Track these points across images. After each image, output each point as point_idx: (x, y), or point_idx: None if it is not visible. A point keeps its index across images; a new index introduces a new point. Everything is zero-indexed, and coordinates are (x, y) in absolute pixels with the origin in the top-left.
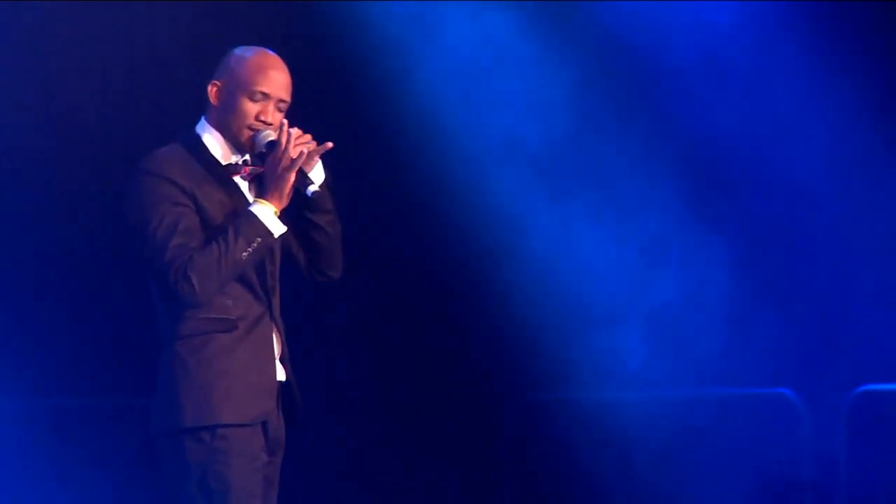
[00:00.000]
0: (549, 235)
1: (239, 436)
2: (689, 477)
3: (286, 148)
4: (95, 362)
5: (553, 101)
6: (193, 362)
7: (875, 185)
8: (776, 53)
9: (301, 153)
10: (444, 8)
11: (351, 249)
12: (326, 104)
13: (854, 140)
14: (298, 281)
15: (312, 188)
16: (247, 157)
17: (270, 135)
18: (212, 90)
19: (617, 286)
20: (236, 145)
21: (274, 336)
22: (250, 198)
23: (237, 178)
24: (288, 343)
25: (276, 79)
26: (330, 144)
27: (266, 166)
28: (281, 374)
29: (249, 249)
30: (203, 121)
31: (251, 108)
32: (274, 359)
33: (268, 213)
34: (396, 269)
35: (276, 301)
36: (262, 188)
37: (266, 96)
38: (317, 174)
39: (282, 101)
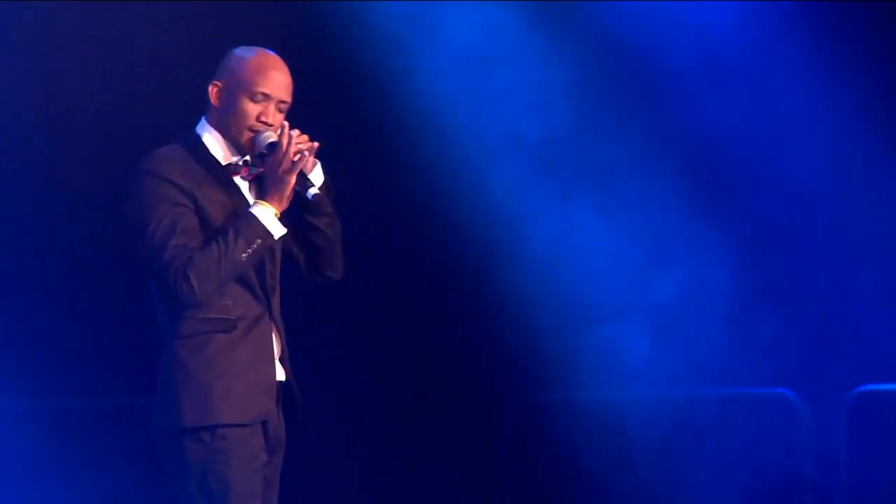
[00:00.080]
0: (549, 235)
1: (239, 436)
2: (689, 476)
3: (287, 150)
4: (95, 362)
5: (553, 100)
6: (193, 362)
7: (875, 185)
8: (777, 53)
9: (302, 155)
10: (443, 8)
11: (351, 249)
12: (326, 104)
13: (854, 140)
14: (298, 281)
15: (313, 191)
16: (247, 157)
17: (271, 136)
18: (212, 90)
19: (617, 286)
20: (237, 146)
21: (274, 336)
22: (250, 198)
23: (237, 179)
24: (288, 343)
25: (276, 79)
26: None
27: (266, 168)
28: (281, 374)
29: (249, 251)
30: (203, 121)
31: (252, 108)
32: (273, 359)
33: (268, 215)
34: (396, 269)
35: (275, 301)
36: (263, 189)
37: (267, 97)
38: (316, 176)
39: (282, 101)
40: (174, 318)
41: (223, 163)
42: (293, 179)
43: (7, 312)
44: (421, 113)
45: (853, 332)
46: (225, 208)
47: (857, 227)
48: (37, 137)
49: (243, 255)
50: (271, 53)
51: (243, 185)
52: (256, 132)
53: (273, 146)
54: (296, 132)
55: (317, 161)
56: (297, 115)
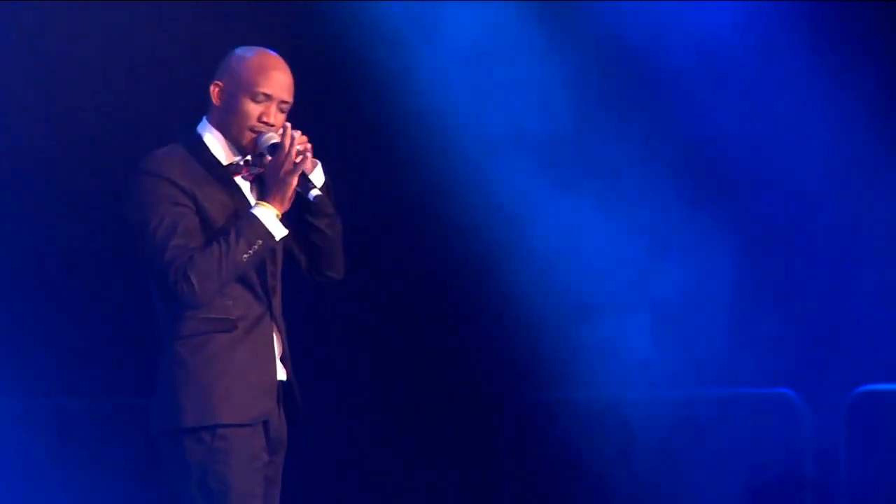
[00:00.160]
0: (549, 235)
1: (239, 436)
2: (690, 476)
3: (289, 151)
4: (95, 362)
5: (554, 98)
6: (193, 362)
7: (875, 185)
8: (778, 52)
9: (304, 157)
10: (443, 7)
11: (351, 249)
12: (326, 104)
13: (854, 140)
14: (299, 281)
15: (314, 193)
16: (248, 157)
17: (273, 137)
18: (214, 90)
19: (617, 286)
20: (238, 146)
21: (274, 336)
22: (251, 198)
23: (238, 179)
24: (289, 343)
25: (278, 80)
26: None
27: (268, 169)
28: (281, 374)
29: (250, 252)
30: (204, 121)
31: (253, 109)
32: (274, 359)
33: (269, 216)
34: (396, 269)
35: (276, 301)
36: (264, 190)
37: (268, 97)
38: (317, 176)
39: (284, 101)
40: (174, 318)
41: (224, 163)
42: (295, 181)
43: (7, 312)
44: (421, 112)
45: (853, 332)
46: (226, 208)
47: (857, 227)
48: (37, 137)
49: (244, 255)
50: (272, 53)
51: (244, 186)
52: (258, 133)
53: (275, 147)
54: (297, 133)
55: (317, 161)
56: (297, 115)
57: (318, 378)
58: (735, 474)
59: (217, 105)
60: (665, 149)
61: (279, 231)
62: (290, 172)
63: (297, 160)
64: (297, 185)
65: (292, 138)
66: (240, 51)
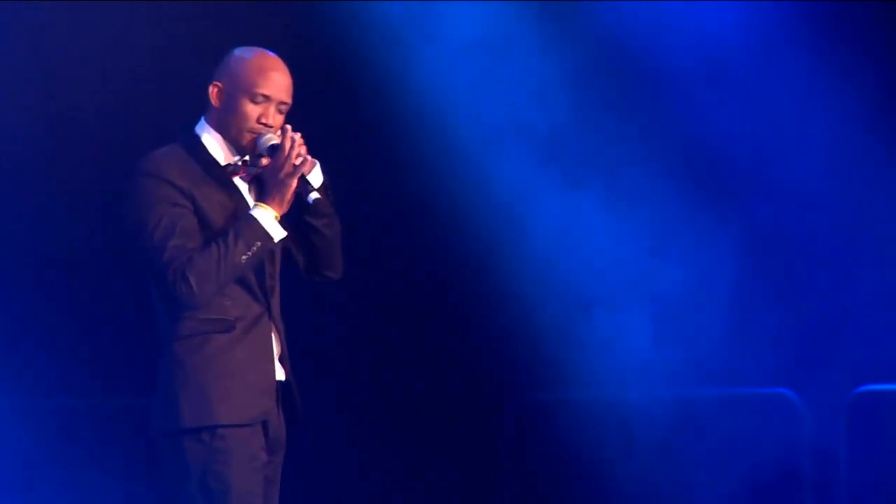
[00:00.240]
0: (549, 234)
1: (238, 436)
2: (690, 476)
3: (289, 154)
4: (95, 362)
5: (555, 95)
6: (192, 363)
7: (875, 185)
8: (777, 53)
9: (304, 159)
10: (443, 6)
11: (351, 249)
12: (326, 103)
13: (854, 140)
14: (298, 281)
15: (313, 196)
16: (246, 157)
17: (273, 139)
18: (212, 91)
19: (617, 285)
20: (236, 147)
21: (273, 336)
22: (250, 199)
23: (236, 179)
24: (288, 343)
25: (277, 81)
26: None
27: (267, 170)
28: (280, 374)
29: (249, 253)
30: (203, 121)
31: (252, 110)
32: (273, 359)
33: (268, 218)
34: (396, 269)
35: (275, 301)
36: (263, 191)
37: (267, 98)
38: (315, 176)
39: (283, 103)
40: (173, 319)
41: (222, 163)
42: (294, 183)
43: (7, 312)
44: (420, 109)
45: (853, 332)
46: (224, 209)
47: (857, 227)
48: (37, 137)
49: (243, 257)
50: (271, 54)
51: (243, 186)
52: (257, 134)
53: (274, 149)
54: (297, 136)
55: (315, 161)
56: (297, 114)
57: (317, 378)
58: (735, 474)
59: (216, 106)
60: (665, 148)
61: (278, 233)
62: (290, 175)
63: (297, 162)
64: (297, 187)
65: (293, 141)
66: (239, 51)
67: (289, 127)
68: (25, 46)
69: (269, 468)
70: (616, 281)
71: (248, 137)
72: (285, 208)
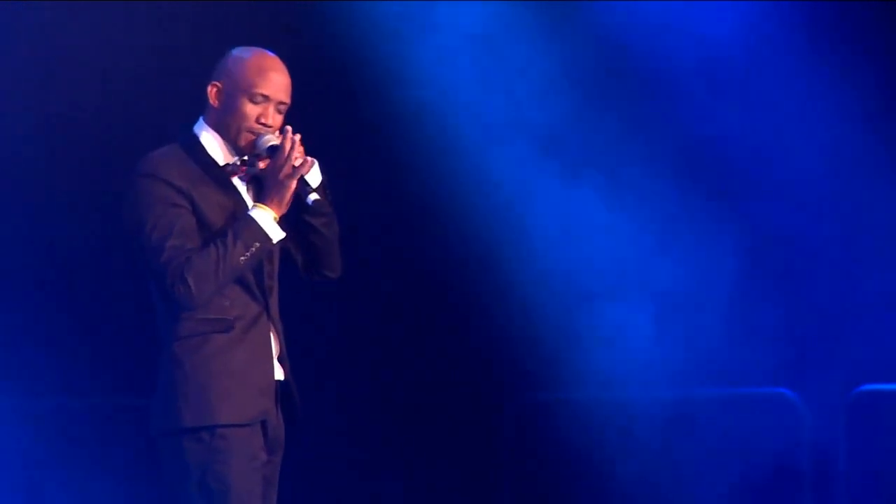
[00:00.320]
0: (549, 234)
1: (238, 436)
2: (689, 476)
3: (289, 155)
4: (95, 362)
5: (555, 89)
6: (191, 363)
7: (875, 186)
8: (778, 52)
9: (305, 160)
10: (441, 6)
11: (350, 247)
12: (325, 99)
13: (854, 140)
14: (297, 280)
15: (313, 197)
16: (245, 157)
17: (272, 140)
18: (211, 91)
19: (617, 285)
20: (235, 147)
21: (272, 336)
22: (248, 199)
23: (235, 179)
24: (287, 343)
25: (276, 81)
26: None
27: (267, 171)
28: (279, 374)
29: (247, 254)
30: (201, 121)
31: (252, 110)
32: (272, 358)
33: (267, 219)
34: (396, 268)
35: (273, 301)
36: (262, 192)
37: (266, 98)
38: (314, 176)
39: (282, 103)
40: (173, 319)
41: (221, 163)
42: (294, 184)
43: (7, 312)
44: (419, 108)
45: (853, 332)
46: (223, 209)
47: (857, 227)
48: (37, 137)
49: (242, 258)
50: (270, 54)
51: (241, 186)
52: (256, 134)
53: (273, 150)
54: (297, 137)
55: (314, 160)
56: (296, 112)
57: (317, 378)
58: (735, 474)
59: (214, 105)
60: (665, 147)
61: (277, 234)
62: (290, 176)
63: (297, 164)
64: (296, 188)
65: (293, 142)
66: (237, 51)
67: (289, 128)
68: (25, 46)
69: (268, 468)
70: (616, 281)
71: (247, 137)
72: (284, 209)
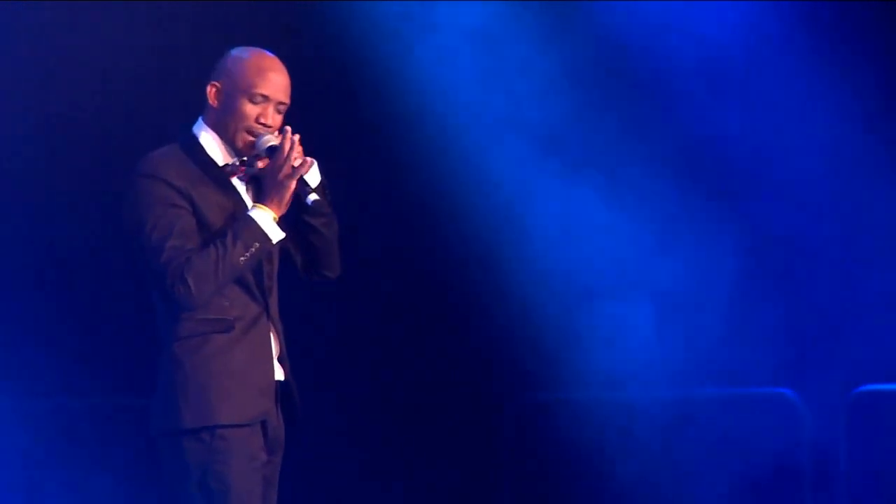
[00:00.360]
0: (548, 234)
1: (238, 436)
2: (689, 476)
3: (289, 155)
4: (95, 362)
5: (554, 90)
6: (191, 363)
7: (875, 186)
8: (778, 52)
9: (304, 161)
10: (440, 6)
11: (350, 248)
12: (325, 99)
13: (854, 140)
14: (297, 280)
15: (312, 197)
16: (244, 157)
17: (271, 140)
18: (210, 91)
19: (617, 285)
20: (234, 147)
21: (272, 336)
22: (247, 199)
23: (234, 180)
24: (287, 343)
25: (275, 81)
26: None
27: (266, 171)
28: (279, 374)
29: (247, 254)
30: (200, 121)
31: (251, 110)
32: (272, 358)
33: (267, 219)
34: (396, 268)
35: (273, 301)
36: (261, 192)
37: (266, 98)
38: (313, 175)
39: (281, 103)
40: (173, 319)
41: (220, 164)
42: (293, 185)
43: (7, 312)
44: (419, 107)
45: (853, 332)
46: (222, 209)
47: (857, 227)
48: (37, 137)
49: (241, 258)
50: (269, 54)
51: (240, 186)
52: (256, 134)
53: (273, 150)
54: (297, 137)
55: (313, 160)
56: (296, 111)
57: (317, 378)
58: (735, 474)
59: (214, 106)
60: (666, 147)
61: (276, 234)
62: (289, 176)
63: (296, 164)
64: (296, 189)
65: (292, 142)
66: (236, 51)
67: (288, 128)
68: (25, 46)
69: (268, 468)
70: (616, 281)
71: (246, 138)
72: (284, 209)
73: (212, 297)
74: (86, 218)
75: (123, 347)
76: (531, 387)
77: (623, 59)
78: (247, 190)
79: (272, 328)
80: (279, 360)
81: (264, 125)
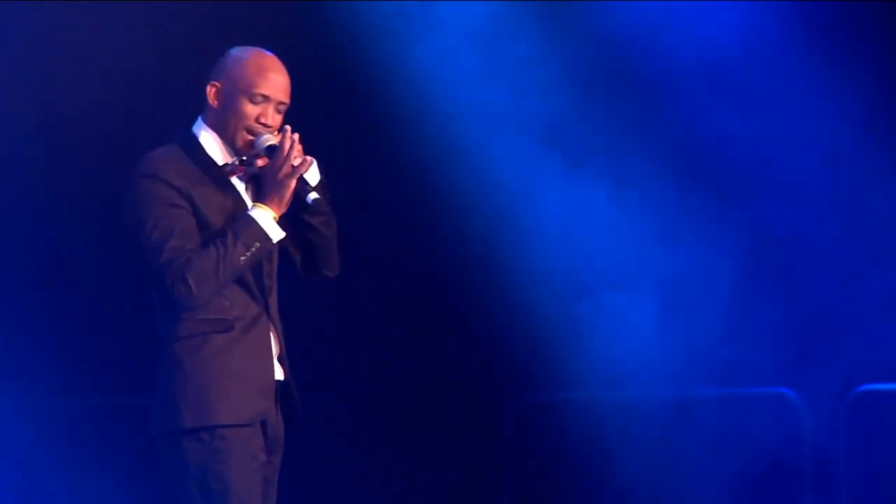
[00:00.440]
0: (548, 234)
1: (238, 436)
2: (689, 476)
3: (289, 154)
4: (95, 362)
5: (553, 94)
6: (191, 363)
7: (875, 186)
8: (778, 52)
9: (304, 160)
10: (437, 7)
11: (350, 248)
12: (325, 101)
13: (854, 140)
14: (297, 280)
15: (312, 196)
16: (243, 157)
17: (270, 139)
18: (210, 91)
19: (617, 287)
20: (233, 147)
21: (271, 335)
22: (247, 198)
23: (234, 179)
24: (287, 342)
25: (275, 81)
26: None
27: (266, 171)
28: (279, 374)
29: (248, 254)
30: (200, 121)
31: (251, 110)
32: (272, 358)
33: (267, 219)
34: (396, 268)
35: (272, 301)
36: (261, 191)
37: (266, 99)
38: (312, 175)
39: (281, 103)
40: (173, 319)
41: (220, 163)
42: (293, 184)
43: (7, 312)
44: (419, 108)
45: (853, 331)
46: (222, 209)
47: (857, 228)
48: (37, 137)
49: (242, 258)
50: (269, 54)
51: (240, 186)
52: (255, 134)
53: (272, 149)
54: (296, 137)
55: (312, 159)
56: (297, 112)
57: (317, 378)
58: (735, 473)
59: (213, 105)
60: (666, 148)
61: (277, 234)
62: (289, 175)
63: (296, 163)
64: (296, 188)
65: (292, 141)
66: (236, 51)
67: (288, 127)
68: (25, 46)
69: (267, 468)
70: (616, 281)
71: (245, 137)
72: (284, 209)
73: (212, 297)
74: (86, 218)
75: (123, 347)
76: (531, 387)
77: (623, 59)
78: (246, 189)
79: (272, 328)
80: (279, 359)
81: (264, 125)
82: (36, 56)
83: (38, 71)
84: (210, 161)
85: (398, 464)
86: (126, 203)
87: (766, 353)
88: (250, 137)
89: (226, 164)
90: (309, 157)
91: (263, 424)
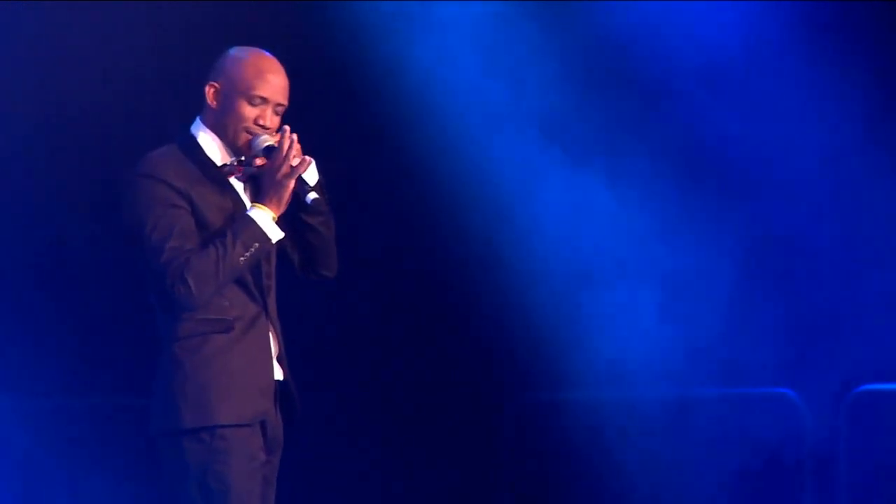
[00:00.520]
0: (548, 235)
1: (238, 436)
2: (689, 476)
3: (287, 154)
4: (95, 362)
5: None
6: (191, 363)
7: (875, 186)
8: (778, 52)
9: (303, 160)
10: (436, 7)
11: (350, 248)
12: (325, 101)
13: (854, 140)
14: (296, 280)
15: (311, 196)
16: (242, 157)
17: (268, 140)
18: (209, 91)
19: (617, 287)
20: (232, 147)
21: (271, 335)
22: (246, 199)
23: (232, 180)
24: (286, 342)
25: (274, 83)
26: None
27: (265, 171)
28: (278, 374)
29: (247, 254)
30: (198, 121)
31: (250, 111)
32: (271, 358)
33: (266, 219)
34: (396, 268)
35: (271, 301)
36: (260, 192)
37: (265, 100)
38: (311, 175)
39: (279, 104)
40: (172, 319)
41: (218, 164)
42: (292, 184)
43: (7, 312)
44: (419, 108)
45: (853, 332)
46: (221, 209)
47: (857, 227)
48: (37, 137)
49: (241, 258)
50: (267, 55)
51: (239, 186)
52: (254, 135)
53: (270, 150)
54: (295, 137)
55: (311, 159)
56: (296, 112)
57: (316, 378)
58: (734, 473)
59: (212, 106)
60: (666, 148)
61: (276, 234)
62: (288, 175)
63: (294, 163)
64: (294, 188)
65: (291, 141)
66: (235, 51)
67: (287, 128)
68: (25, 46)
69: (267, 468)
70: (615, 280)
71: (244, 138)
72: (282, 209)
73: (212, 297)
74: (86, 218)
75: (123, 347)
76: (531, 387)
77: (623, 58)
78: (245, 189)
79: (271, 328)
80: (278, 359)
81: (262, 127)
82: (36, 56)
83: (38, 71)
84: (209, 161)
85: (398, 464)
86: (125, 203)
87: (766, 353)
88: (249, 138)
89: (224, 165)
90: (307, 158)
91: (263, 424)
